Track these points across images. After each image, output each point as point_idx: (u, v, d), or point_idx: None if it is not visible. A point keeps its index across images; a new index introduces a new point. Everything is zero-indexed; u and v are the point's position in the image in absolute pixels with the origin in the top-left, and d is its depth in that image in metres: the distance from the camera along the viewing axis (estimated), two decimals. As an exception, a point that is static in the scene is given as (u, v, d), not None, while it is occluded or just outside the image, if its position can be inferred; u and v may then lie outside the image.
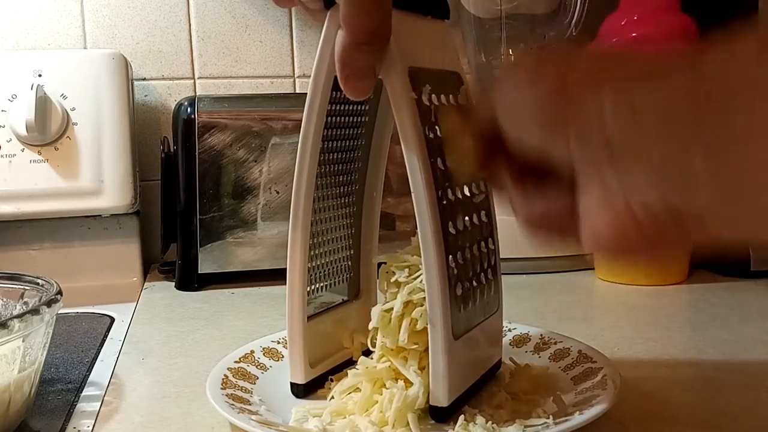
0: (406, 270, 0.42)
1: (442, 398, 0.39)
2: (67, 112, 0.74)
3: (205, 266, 0.76)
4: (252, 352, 0.49)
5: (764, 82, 0.22)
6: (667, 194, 0.24)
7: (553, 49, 0.32)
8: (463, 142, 0.35)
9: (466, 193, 0.41)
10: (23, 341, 0.40)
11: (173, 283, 0.78)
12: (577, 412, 0.39)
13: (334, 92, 0.41)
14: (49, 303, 0.41)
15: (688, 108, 0.23)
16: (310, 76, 0.41)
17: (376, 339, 0.43)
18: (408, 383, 0.41)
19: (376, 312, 0.42)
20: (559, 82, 0.27)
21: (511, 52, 0.88)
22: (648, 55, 0.27)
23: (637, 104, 0.25)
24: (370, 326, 0.43)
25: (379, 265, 0.45)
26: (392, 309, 0.42)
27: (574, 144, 0.26)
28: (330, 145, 0.45)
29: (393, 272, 0.43)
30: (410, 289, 0.42)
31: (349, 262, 0.50)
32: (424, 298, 0.40)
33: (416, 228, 0.38)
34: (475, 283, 0.42)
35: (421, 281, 0.42)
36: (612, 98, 0.25)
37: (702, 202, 0.23)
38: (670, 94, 0.24)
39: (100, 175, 0.75)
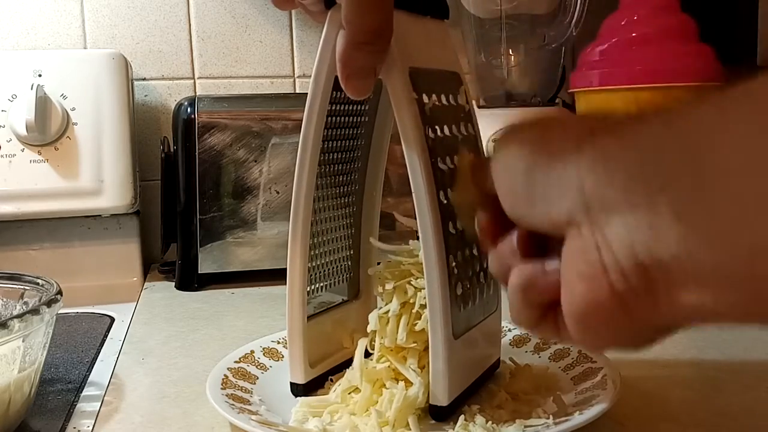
0: (399, 274, 0.42)
1: (442, 397, 0.39)
2: (67, 112, 0.74)
3: (205, 266, 0.76)
4: (252, 352, 0.49)
5: (732, 127, 0.21)
6: (636, 246, 0.23)
7: (537, 120, 0.32)
8: (471, 209, 0.35)
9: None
10: (23, 341, 0.40)
11: (173, 283, 0.78)
12: (577, 412, 0.39)
13: (334, 92, 0.41)
14: (49, 303, 0.41)
15: (656, 155, 0.23)
16: (310, 76, 0.41)
17: (374, 342, 0.43)
18: (408, 383, 0.41)
19: (373, 317, 0.43)
20: (539, 145, 0.28)
21: (511, 52, 0.88)
22: (629, 113, 0.27)
23: (611, 157, 0.25)
24: (369, 329, 0.43)
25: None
26: (389, 311, 0.42)
27: (556, 207, 0.26)
28: (330, 145, 0.45)
29: (387, 277, 0.43)
30: (404, 289, 0.42)
31: (349, 262, 0.50)
32: (423, 297, 0.40)
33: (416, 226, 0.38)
34: (475, 283, 0.42)
35: (418, 280, 0.42)
36: (588, 155, 0.25)
37: (667, 252, 0.23)
38: (640, 142, 0.24)
39: (100, 175, 0.75)
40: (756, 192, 0.20)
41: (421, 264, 0.39)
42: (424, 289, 0.41)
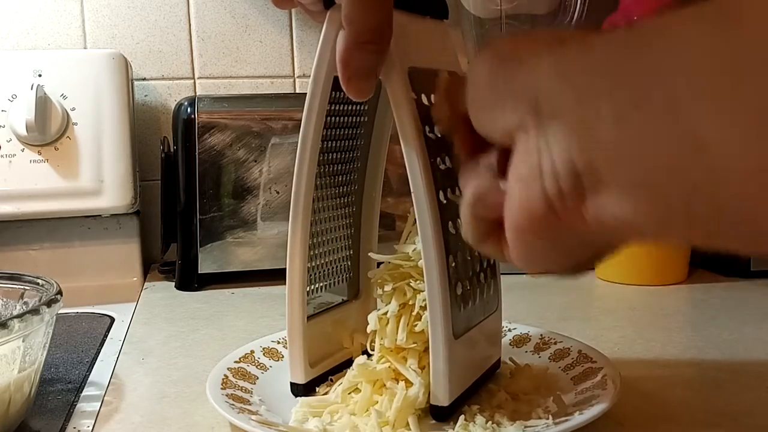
0: (398, 276, 0.43)
1: (442, 397, 0.39)
2: (67, 112, 0.74)
3: (205, 266, 0.76)
4: (252, 352, 0.50)
5: (676, 34, 0.21)
6: (572, 148, 0.24)
7: (515, 36, 0.32)
8: (446, 114, 0.35)
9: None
10: (23, 341, 0.40)
11: (173, 283, 0.78)
12: (577, 412, 0.39)
13: (333, 92, 0.41)
14: (49, 303, 0.41)
15: (608, 59, 0.23)
16: (310, 76, 0.41)
17: (374, 343, 0.43)
18: (408, 383, 0.41)
19: (372, 317, 0.43)
20: (507, 55, 0.28)
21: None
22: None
23: (567, 62, 0.25)
24: (368, 330, 0.43)
25: (378, 265, 0.45)
26: (388, 312, 0.42)
27: (510, 112, 0.27)
28: (329, 145, 0.45)
29: (386, 279, 0.43)
30: (403, 291, 0.42)
31: (349, 262, 0.50)
32: (423, 299, 0.40)
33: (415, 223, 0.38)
34: (475, 283, 0.42)
35: (417, 283, 0.42)
36: (548, 60, 0.26)
37: (600, 154, 0.23)
38: (598, 49, 0.24)
39: (100, 175, 0.75)
40: (691, 102, 0.20)
41: (420, 268, 0.39)
42: (423, 291, 0.41)
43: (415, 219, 0.42)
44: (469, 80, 0.30)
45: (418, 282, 0.42)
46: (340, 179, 0.47)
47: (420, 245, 0.38)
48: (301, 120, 0.41)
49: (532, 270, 0.30)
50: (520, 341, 0.52)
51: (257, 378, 0.47)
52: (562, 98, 0.24)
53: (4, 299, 0.48)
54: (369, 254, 0.45)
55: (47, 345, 0.44)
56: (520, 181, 0.26)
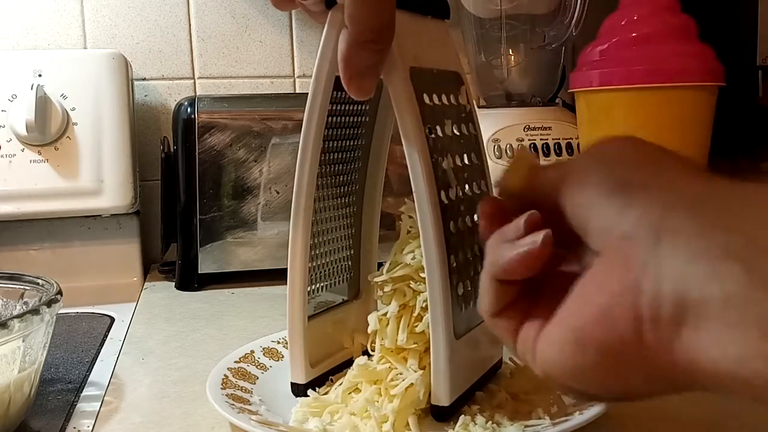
0: (398, 277, 0.43)
1: (443, 398, 0.39)
2: (67, 112, 0.74)
3: (205, 266, 0.76)
4: (252, 352, 0.49)
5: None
6: (690, 283, 0.22)
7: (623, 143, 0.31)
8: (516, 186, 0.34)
9: (468, 192, 0.41)
10: (23, 341, 0.40)
11: (173, 283, 0.78)
12: (577, 412, 0.39)
13: (335, 92, 0.41)
14: (49, 303, 0.41)
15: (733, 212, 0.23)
16: (310, 76, 0.41)
17: (375, 343, 0.43)
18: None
19: (372, 318, 0.43)
20: (622, 175, 0.27)
21: (511, 52, 0.88)
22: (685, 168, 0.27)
23: (697, 196, 0.25)
24: (369, 330, 0.43)
25: (379, 265, 0.45)
26: (387, 313, 0.42)
27: (627, 215, 0.25)
28: (330, 145, 0.45)
29: (386, 280, 0.43)
30: (403, 292, 0.42)
31: (349, 262, 0.50)
32: (424, 300, 0.40)
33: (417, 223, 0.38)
34: (476, 283, 0.42)
35: (417, 284, 0.42)
36: (678, 185, 0.25)
37: (720, 293, 0.22)
38: (720, 194, 0.24)
39: (100, 175, 0.75)
40: None
41: (420, 271, 0.39)
42: (423, 292, 0.41)
43: (411, 227, 0.43)
44: (581, 164, 0.29)
45: (418, 283, 0.42)
46: (341, 179, 0.47)
47: (418, 252, 0.38)
48: (301, 120, 0.41)
49: (562, 385, 0.27)
50: (520, 341, 0.52)
51: (257, 378, 0.47)
52: (690, 226, 0.23)
53: (4, 299, 0.47)
54: (369, 276, 0.44)
55: (47, 345, 0.44)
56: (604, 291, 0.24)
